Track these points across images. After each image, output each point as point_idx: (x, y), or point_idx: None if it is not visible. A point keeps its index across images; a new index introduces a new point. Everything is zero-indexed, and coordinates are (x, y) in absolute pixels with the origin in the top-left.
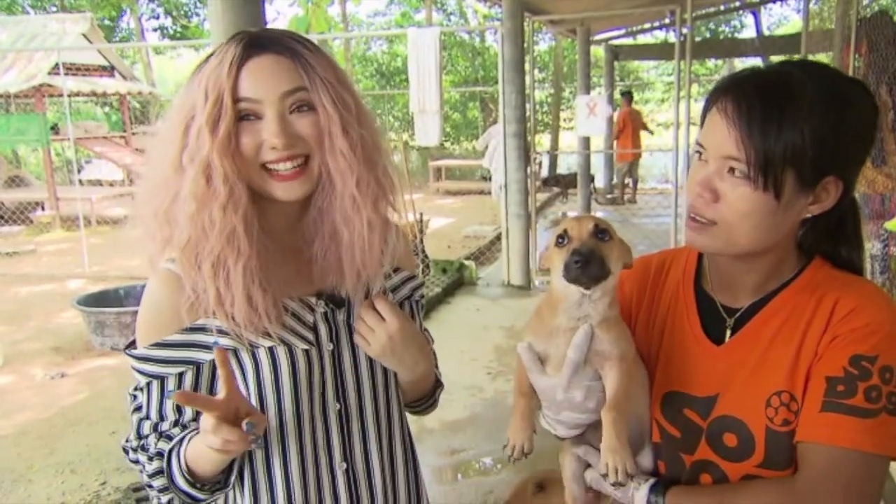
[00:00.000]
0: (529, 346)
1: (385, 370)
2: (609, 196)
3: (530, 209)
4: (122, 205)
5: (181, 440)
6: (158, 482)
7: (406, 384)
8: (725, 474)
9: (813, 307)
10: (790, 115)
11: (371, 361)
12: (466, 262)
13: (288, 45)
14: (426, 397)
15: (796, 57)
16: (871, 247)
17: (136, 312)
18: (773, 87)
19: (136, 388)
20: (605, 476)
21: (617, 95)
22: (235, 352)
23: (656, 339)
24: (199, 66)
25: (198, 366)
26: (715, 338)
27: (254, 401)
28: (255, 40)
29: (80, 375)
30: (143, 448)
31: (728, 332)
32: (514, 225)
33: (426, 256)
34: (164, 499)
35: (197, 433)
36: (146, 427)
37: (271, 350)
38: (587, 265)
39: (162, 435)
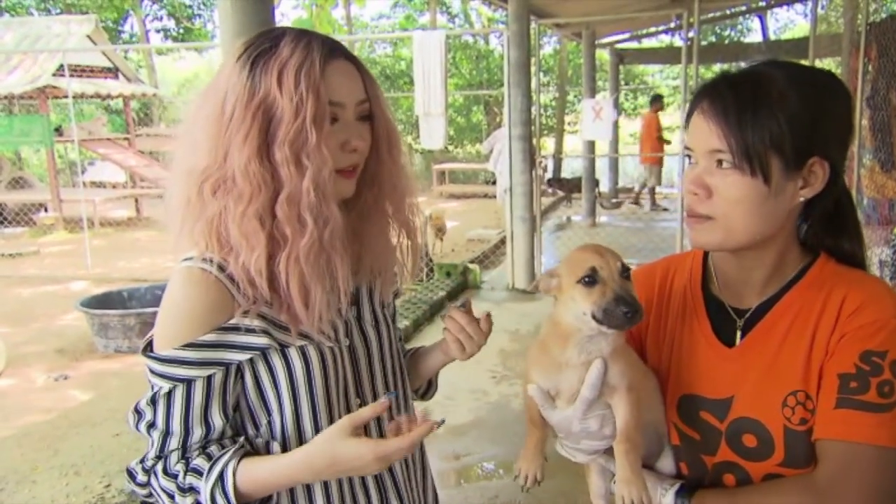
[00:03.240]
0: (539, 387)
1: (394, 365)
2: (613, 200)
3: (535, 213)
4: (125, 206)
5: (222, 475)
6: None
7: (445, 363)
8: (748, 474)
9: (821, 305)
10: (763, 102)
11: (382, 356)
12: (470, 266)
13: (351, 55)
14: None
15: (804, 60)
16: (881, 252)
17: (139, 314)
18: (743, 81)
19: (149, 401)
20: (659, 454)
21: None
22: (264, 353)
23: (668, 344)
24: (254, 56)
25: (227, 367)
26: (726, 340)
27: (287, 401)
28: (334, 45)
29: (83, 377)
30: (167, 472)
31: (739, 334)
32: (518, 228)
33: (430, 260)
34: None
35: (238, 455)
36: (173, 442)
37: (302, 349)
38: (636, 314)
39: (189, 466)
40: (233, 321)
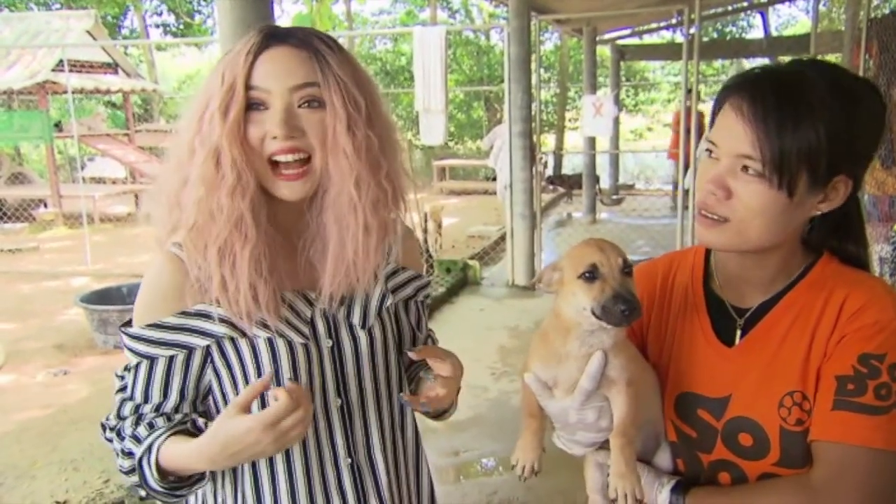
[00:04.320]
0: (536, 376)
1: (387, 367)
2: (614, 197)
3: (535, 209)
4: (125, 202)
5: (150, 448)
6: (133, 478)
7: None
8: (744, 473)
9: (822, 305)
10: (806, 115)
11: (373, 358)
12: (470, 262)
13: (307, 41)
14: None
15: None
16: (881, 249)
17: None
18: (787, 86)
19: (125, 369)
20: (614, 501)
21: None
22: (233, 341)
23: (668, 341)
24: (223, 56)
25: (190, 350)
26: (726, 339)
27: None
28: (276, 32)
29: (82, 373)
30: (119, 433)
31: (738, 333)
32: (518, 225)
33: (430, 256)
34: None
35: (174, 432)
36: (128, 408)
37: (270, 341)
38: (633, 312)
39: (133, 433)
40: (201, 307)
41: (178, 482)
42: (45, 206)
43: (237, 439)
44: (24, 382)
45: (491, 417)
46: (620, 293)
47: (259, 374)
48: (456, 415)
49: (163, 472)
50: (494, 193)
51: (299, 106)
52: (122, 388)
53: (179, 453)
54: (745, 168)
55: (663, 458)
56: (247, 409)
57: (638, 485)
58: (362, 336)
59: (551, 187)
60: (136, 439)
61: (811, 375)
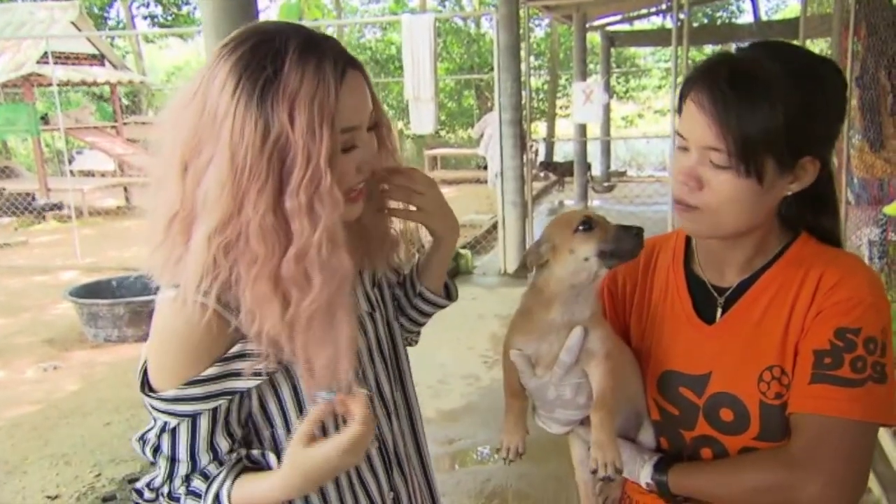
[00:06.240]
0: (521, 352)
1: (393, 351)
2: (605, 184)
3: (526, 197)
4: (114, 195)
5: (217, 497)
6: None
7: (450, 250)
8: (725, 448)
9: (799, 282)
10: (764, 101)
11: (380, 345)
12: (462, 251)
13: (357, 61)
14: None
15: (796, 41)
16: (870, 232)
17: (128, 303)
18: (743, 73)
19: (159, 433)
20: (594, 472)
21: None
22: (269, 375)
23: (650, 322)
24: (257, 82)
25: (232, 395)
26: (706, 317)
27: (292, 415)
28: (344, 57)
29: (73, 367)
30: (170, 496)
31: (719, 311)
32: (510, 213)
33: (422, 245)
34: None
35: (233, 475)
36: (182, 469)
37: None
38: (640, 233)
39: (189, 489)
40: (236, 349)
41: None
42: (34, 199)
43: (317, 467)
44: (14, 378)
45: (483, 406)
46: (622, 226)
47: (297, 398)
48: (449, 404)
49: None
50: (486, 182)
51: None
52: (158, 448)
53: (253, 493)
54: (713, 159)
55: (647, 437)
56: (313, 437)
57: (618, 456)
58: (371, 324)
59: (542, 174)
60: (196, 495)
61: (789, 350)
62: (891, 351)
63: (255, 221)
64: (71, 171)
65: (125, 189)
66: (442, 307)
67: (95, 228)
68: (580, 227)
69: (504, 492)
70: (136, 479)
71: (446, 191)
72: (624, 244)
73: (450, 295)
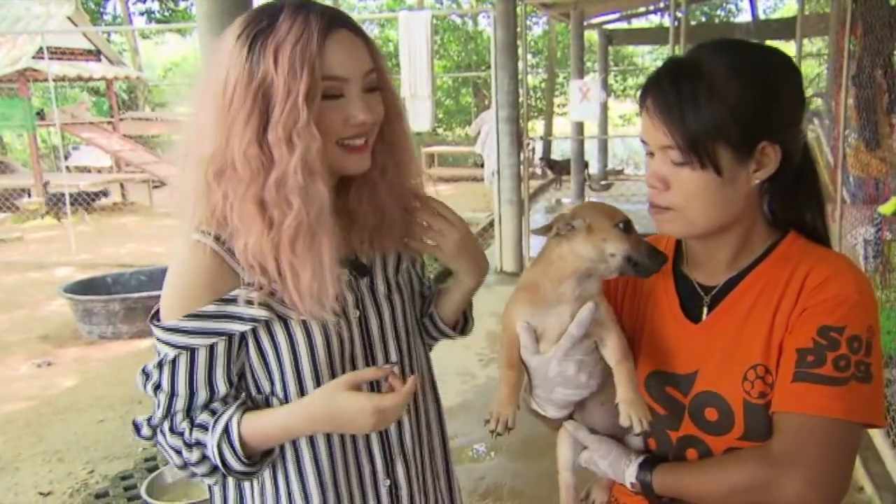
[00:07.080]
0: (528, 324)
1: (409, 335)
2: (603, 182)
3: (523, 195)
4: (110, 191)
5: (227, 428)
6: (200, 469)
7: (469, 291)
8: (710, 448)
9: (786, 280)
10: (704, 94)
11: (395, 327)
12: None
13: (357, 26)
14: (469, 309)
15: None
16: (865, 231)
17: (123, 300)
18: (685, 73)
19: (157, 365)
20: (629, 428)
21: None
22: (267, 325)
23: (640, 322)
24: (252, 34)
25: (230, 337)
26: (693, 317)
27: (290, 375)
28: (334, 15)
29: (67, 364)
30: (172, 430)
31: (705, 310)
32: (506, 211)
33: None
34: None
35: (241, 409)
36: (178, 403)
37: (304, 322)
38: (664, 263)
39: (194, 422)
40: (232, 293)
41: (255, 458)
42: (29, 195)
43: (348, 413)
44: (8, 374)
45: (479, 403)
46: (654, 247)
47: (294, 354)
48: (445, 401)
49: (245, 447)
50: (482, 180)
51: (363, 91)
52: (159, 385)
53: (266, 425)
54: (671, 158)
55: (635, 439)
56: (359, 387)
57: (646, 408)
58: (388, 305)
59: (539, 171)
60: (203, 427)
61: (774, 349)
62: (878, 351)
63: (241, 150)
64: (67, 167)
65: (121, 185)
66: (449, 338)
67: (91, 224)
68: (620, 225)
69: (499, 489)
70: (130, 476)
71: (443, 188)
72: (649, 262)
73: (463, 329)
